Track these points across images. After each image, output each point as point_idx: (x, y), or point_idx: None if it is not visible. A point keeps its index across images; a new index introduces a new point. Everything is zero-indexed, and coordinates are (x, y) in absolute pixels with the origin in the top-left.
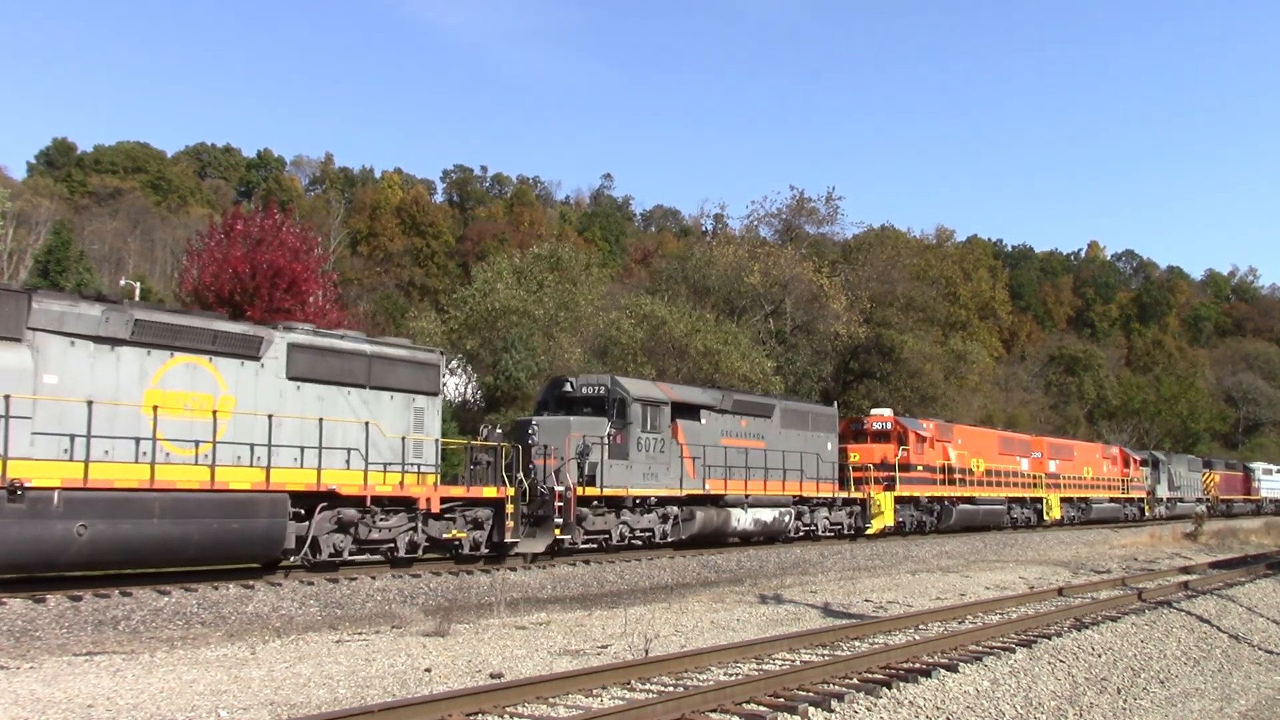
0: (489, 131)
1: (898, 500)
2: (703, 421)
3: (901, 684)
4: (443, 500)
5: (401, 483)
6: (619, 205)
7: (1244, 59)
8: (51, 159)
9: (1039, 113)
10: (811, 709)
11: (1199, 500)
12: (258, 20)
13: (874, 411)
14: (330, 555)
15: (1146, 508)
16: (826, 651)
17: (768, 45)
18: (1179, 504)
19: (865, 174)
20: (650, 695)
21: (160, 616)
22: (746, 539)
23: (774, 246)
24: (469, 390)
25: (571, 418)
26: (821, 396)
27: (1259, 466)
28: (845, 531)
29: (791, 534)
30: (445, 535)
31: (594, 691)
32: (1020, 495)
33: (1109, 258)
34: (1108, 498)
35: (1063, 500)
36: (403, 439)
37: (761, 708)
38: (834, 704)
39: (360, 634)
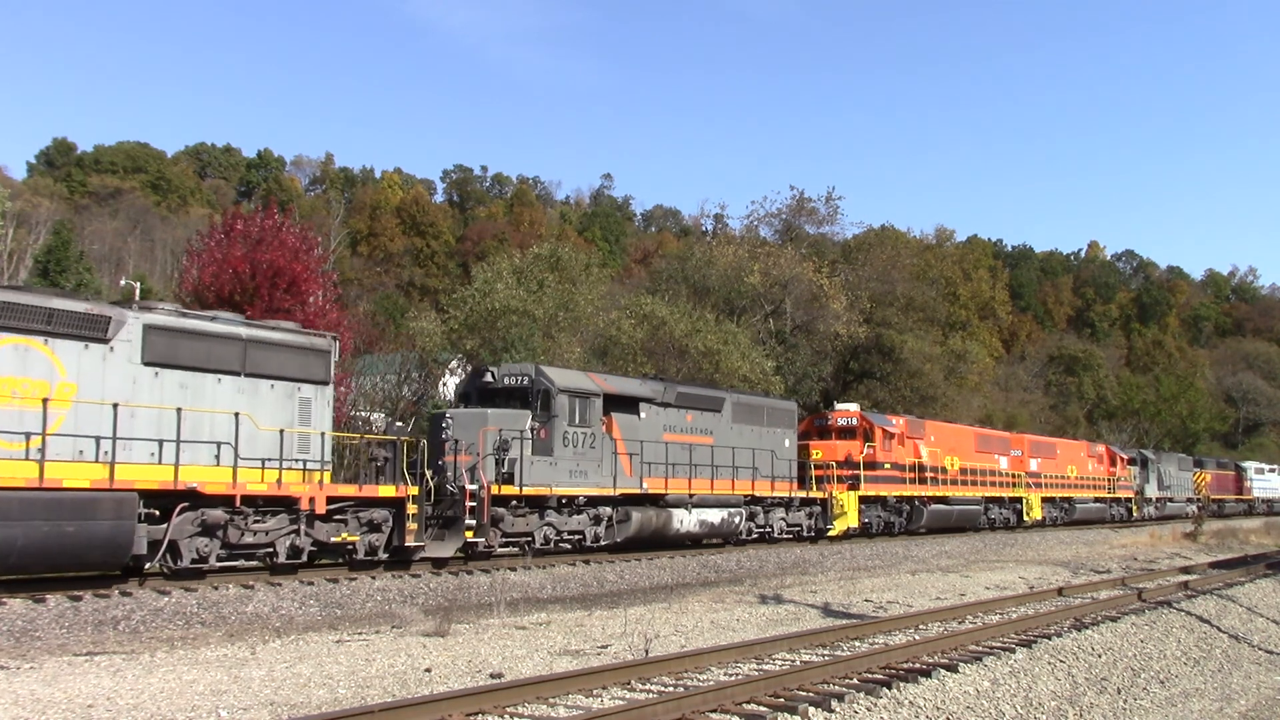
0: (489, 131)
1: (863, 500)
2: (642, 416)
3: (901, 684)
4: (331, 500)
5: (279, 480)
6: (619, 205)
7: (1244, 59)
8: (51, 159)
9: (1039, 113)
10: (811, 709)
11: (1190, 500)
12: (258, 20)
13: (839, 406)
14: (194, 561)
15: (1134, 508)
16: (826, 651)
17: (768, 45)
18: (1169, 504)
19: (865, 174)
20: (650, 695)
21: (160, 616)
22: (696, 542)
23: (774, 246)
24: None
25: (489, 410)
26: (821, 397)
27: (1251, 466)
28: (804, 534)
29: (744, 536)
30: (334, 539)
31: (594, 691)
32: (998, 495)
33: (1109, 258)
34: (1093, 497)
35: (1044, 500)
36: (280, 432)
37: (761, 708)
38: (834, 704)
39: (360, 634)
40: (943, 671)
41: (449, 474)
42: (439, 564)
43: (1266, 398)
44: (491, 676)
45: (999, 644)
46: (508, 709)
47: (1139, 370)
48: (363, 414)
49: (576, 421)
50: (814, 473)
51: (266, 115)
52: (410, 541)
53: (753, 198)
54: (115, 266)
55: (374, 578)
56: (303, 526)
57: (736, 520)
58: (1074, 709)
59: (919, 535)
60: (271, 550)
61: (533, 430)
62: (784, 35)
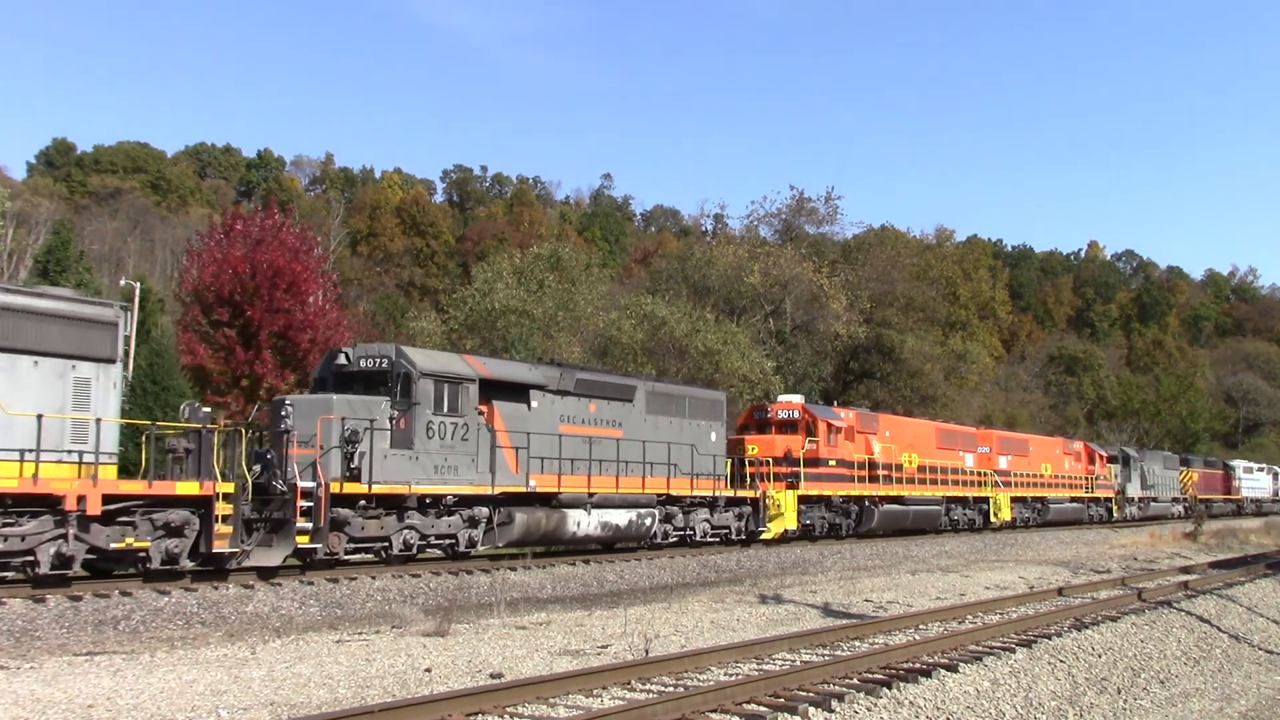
0: (489, 131)
1: (803, 500)
2: (533, 405)
3: (901, 684)
4: (111, 499)
5: (35, 475)
6: (619, 205)
7: (1244, 59)
8: (51, 159)
9: (1039, 113)
10: (811, 709)
11: (1175, 500)
12: (258, 20)
13: (781, 398)
14: None
15: (1115, 508)
16: (826, 651)
17: (767, 45)
18: (1153, 504)
19: (865, 174)
20: (650, 695)
21: (160, 616)
22: (608, 546)
23: (774, 246)
24: None
25: (334, 396)
26: (821, 396)
27: (1239, 465)
28: (733, 536)
29: (659, 539)
30: (115, 545)
31: (594, 691)
32: (961, 494)
33: (1109, 258)
34: (1068, 497)
35: (1014, 500)
36: (39, 417)
37: (761, 708)
38: (834, 704)
39: (360, 634)
40: (943, 671)
41: (277, 469)
42: (265, 574)
43: (1266, 398)
44: (491, 676)
45: (999, 644)
46: (508, 709)
47: (1139, 370)
48: None
49: (445, 410)
50: (749, 470)
51: (266, 115)
52: (222, 547)
53: (753, 198)
54: (115, 266)
55: (374, 578)
56: (72, 531)
57: (648, 522)
58: (1074, 709)
59: (871, 538)
60: (31, 558)
61: (391, 420)
62: (784, 35)
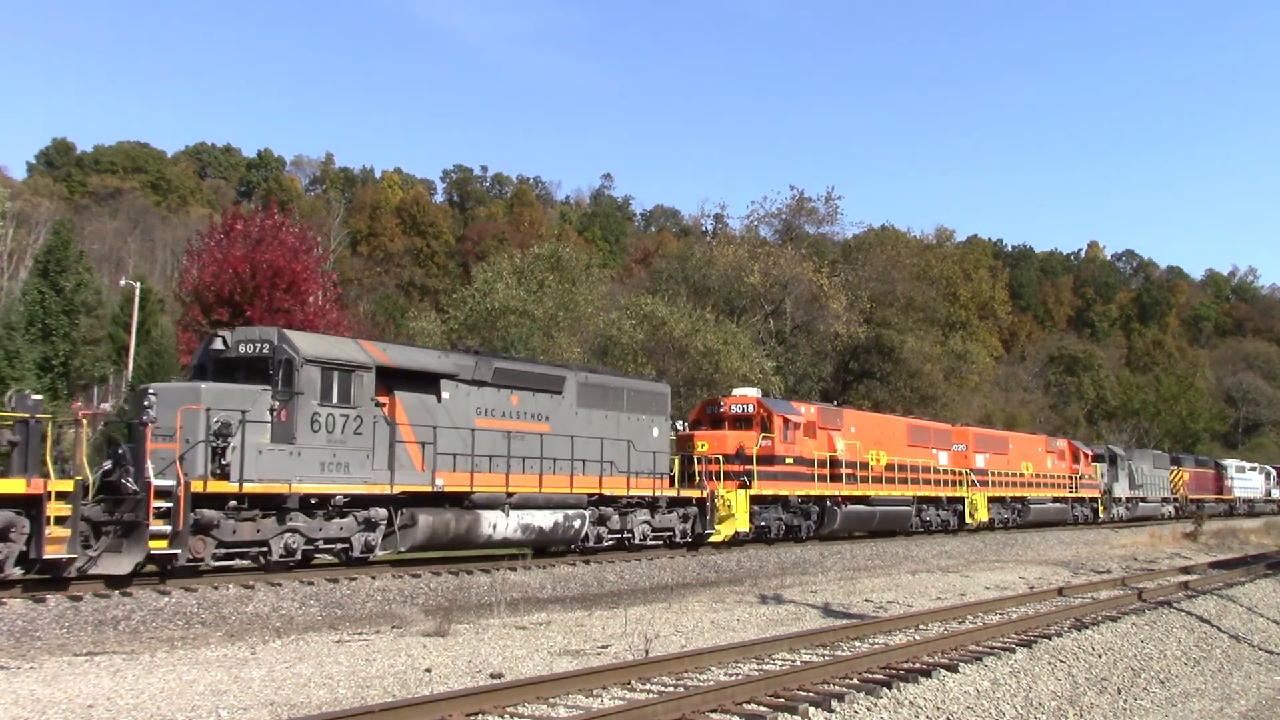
0: (489, 131)
1: (757, 500)
2: (444, 396)
3: (901, 684)
4: None
5: None
6: (619, 205)
7: (1244, 59)
8: (51, 159)
9: (1039, 113)
10: (812, 709)
11: (1165, 500)
12: (258, 20)
13: (736, 392)
14: None
15: (1101, 509)
16: (826, 651)
17: (768, 46)
18: (1141, 504)
19: (865, 174)
20: (650, 695)
21: (160, 616)
22: (542, 550)
23: (774, 246)
24: None
25: (202, 384)
26: (821, 396)
27: (1232, 464)
28: (678, 539)
29: (590, 543)
30: None
31: (594, 691)
32: (934, 494)
33: (1109, 258)
34: (1051, 497)
35: (992, 500)
36: None
37: (761, 708)
38: (834, 704)
39: (360, 634)
40: (943, 671)
41: (129, 466)
42: (115, 583)
43: (1266, 398)
44: (491, 676)
45: (999, 644)
46: (508, 709)
47: (1139, 370)
48: None
49: (334, 400)
50: (699, 468)
51: (266, 115)
52: (56, 553)
53: (753, 198)
54: (115, 266)
55: (374, 578)
56: None
57: (577, 524)
58: (1074, 709)
59: (833, 541)
60: None
61: (272, 412)
62: (784, 36)
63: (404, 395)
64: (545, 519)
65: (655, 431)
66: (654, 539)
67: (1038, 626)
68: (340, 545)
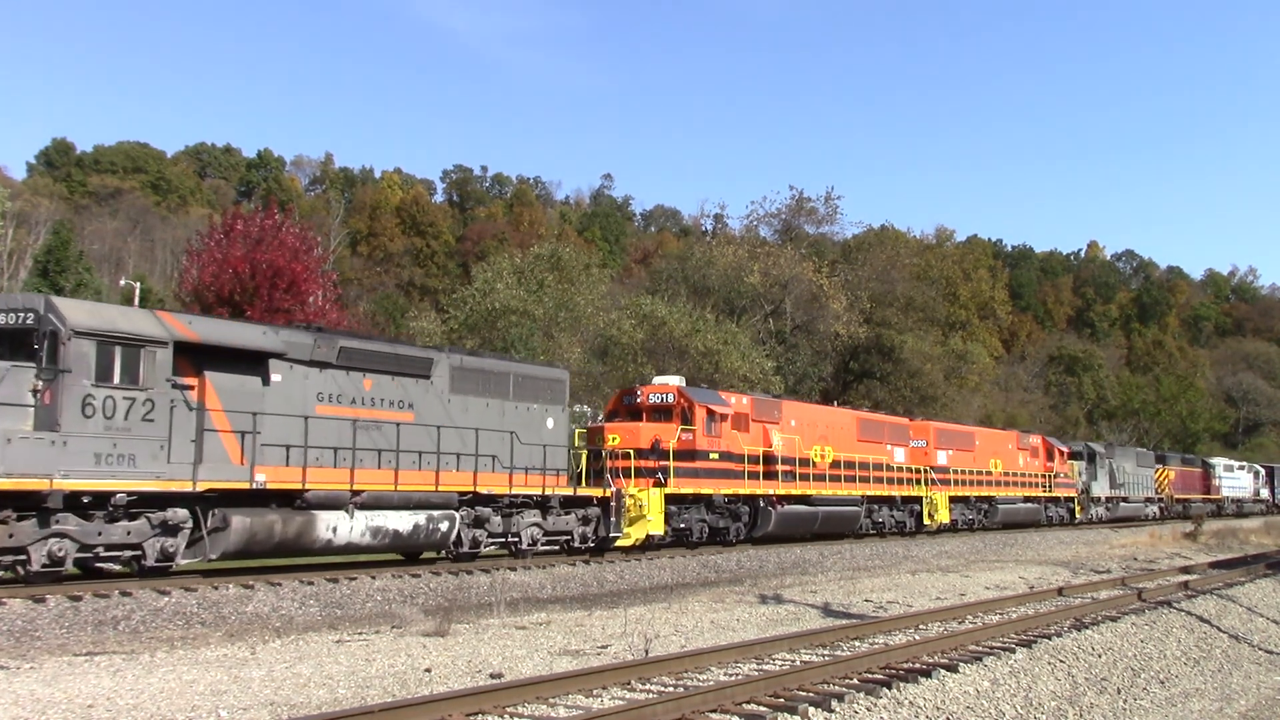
0: (489, 131)
1: (674, 500)
2: (274, 378)
3: (901, 684)
4: None
5: None
6: (619, 205)
7: (1244, 59)
8: (51, 159)
9: (1039, 113)
10: (811, 709)
11: (1149, 500)
12: (258, 20)
13: (656, 379)
14: None
15: (1078, 509)
16: (826, 651)
17: (767, 45)
18: (1122, 504)
19: (865, 174)
20: (650, 695)
21: (160, 616)
22: (413, 555)
23: (774, 246)
24: None
25: None
26: (821, 396)
27: (1219, 463)
28: (576, 544)
29: (465, 548)
30: None
31: (594, 691)
32: (887, 494)
33: (1109, 258)
34: (1021, 496)
35: (955, 500)
36: None
37: (761, 708)
38: (834, 704)
39: (360, 634)
40: (943, 671)
41: None
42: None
43: (1266, 398)
44: (491, 676)
45: (999, 644)
46: (508, 709)
47: (1139, 370)
48: None
49: (115, 380)
50: (608, 464)
51: (266, 115)
52: None
53: (752, 198)
54: (115, 266)
55: (374, 577)
56: None
57: (444, 527)
58: (1074, 709)
59: (770, 544)
60: None
61: (35, 393)
62: (784, 36)
63: (218, 377)
64: (403, 521)
65: (550, 422)
66: (547, 544)
67: (1038, 626)
68: (131, 553)
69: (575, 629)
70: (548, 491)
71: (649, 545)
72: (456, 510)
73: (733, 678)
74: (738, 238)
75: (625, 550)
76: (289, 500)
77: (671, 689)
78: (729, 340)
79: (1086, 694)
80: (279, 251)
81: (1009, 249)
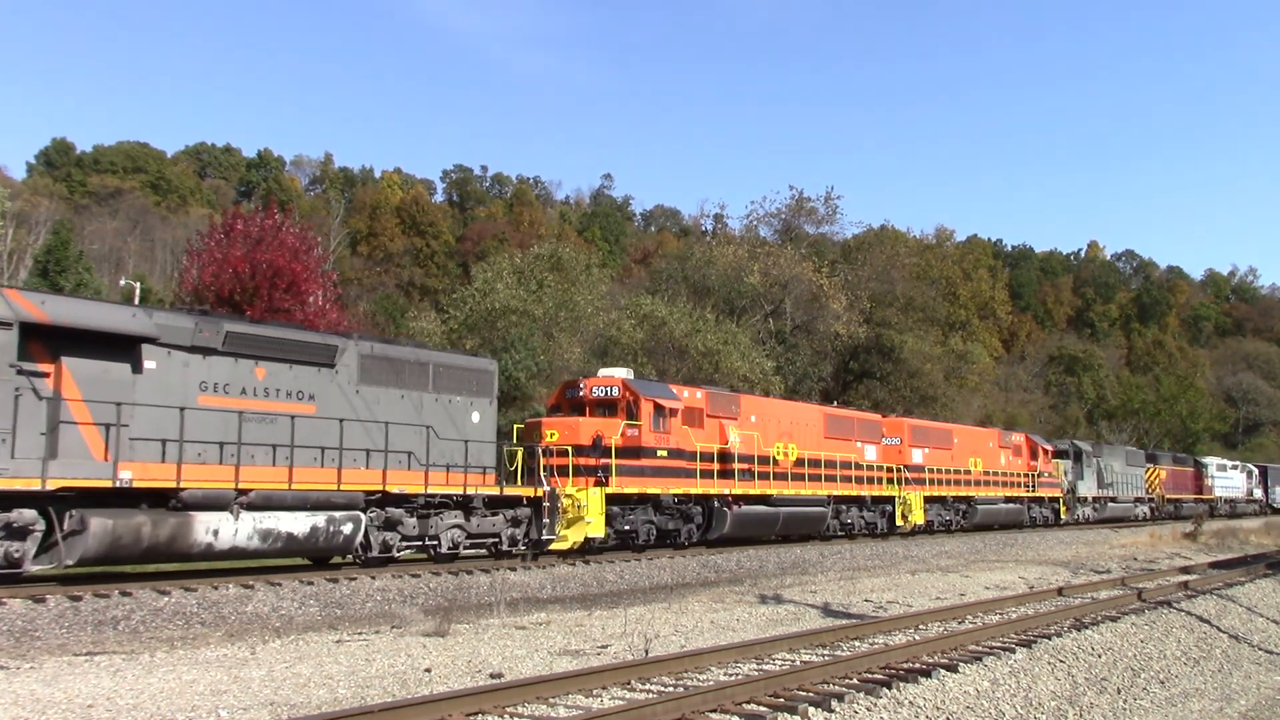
0: (489, 131)
1: (617, 500)
2: (147, 365)
3: (901, 684)
4: None
5: None
6: (619, 205)
7: (1244, 58)
8: (51, 159)
9: (1039, 112)
10: (811, 709)
11: (1139, 500)
12: (258, 20)
13: (601, 372)
14: None
15: (1063, 509)
16: (826, 651)
17: (767, 45)
18: (1110, 504)
19: (865, 174)
20: (650, 695)
21: (160, 616)
22: (319, 559)
23: (774, 246)
24: None
25: None
26: (821, 396)
27: (1212, 462)
28: (505, 547)
29: (375, 551)
30: None
31: (594, 691)
32: (856, 493)
33: (1109, 258)
34: (1002, 496)
35: (931, 500)
36: None
37: (761, 708)
38: (834, 704)
39: (360, 634)
40: (943, 671)
41: None
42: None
43: (1266, 398)
44: (491, 676)
45: (999, 644)
46: (508, 709)
47: (1139, 370)
48: None
49: None
50: (544, 461)
51: (266, 115)
52: None
53: (752, 198)
54: (115, 266)
55: (374, 578)
56: None
57: (347, 529)
58: (1074, 709)
59: (725, 547)
60: None
61: None
62: (783, 36)
63: (77, 363)
64: (298, 523)
65: (476, 416)
66: (471, 547)
67: (1037, 626)
68: None
69: (575, 629)
70: (470, 491)
71: (590, 549)
72: (363, 511)
73: (733, 678)
74: (738, 238)
75: (562, 554)
76: (163, 500)
77: (671, 689)
78: (729, 340)
79: (1086, 694)
80: (279, 251)
81: (1009, 249)
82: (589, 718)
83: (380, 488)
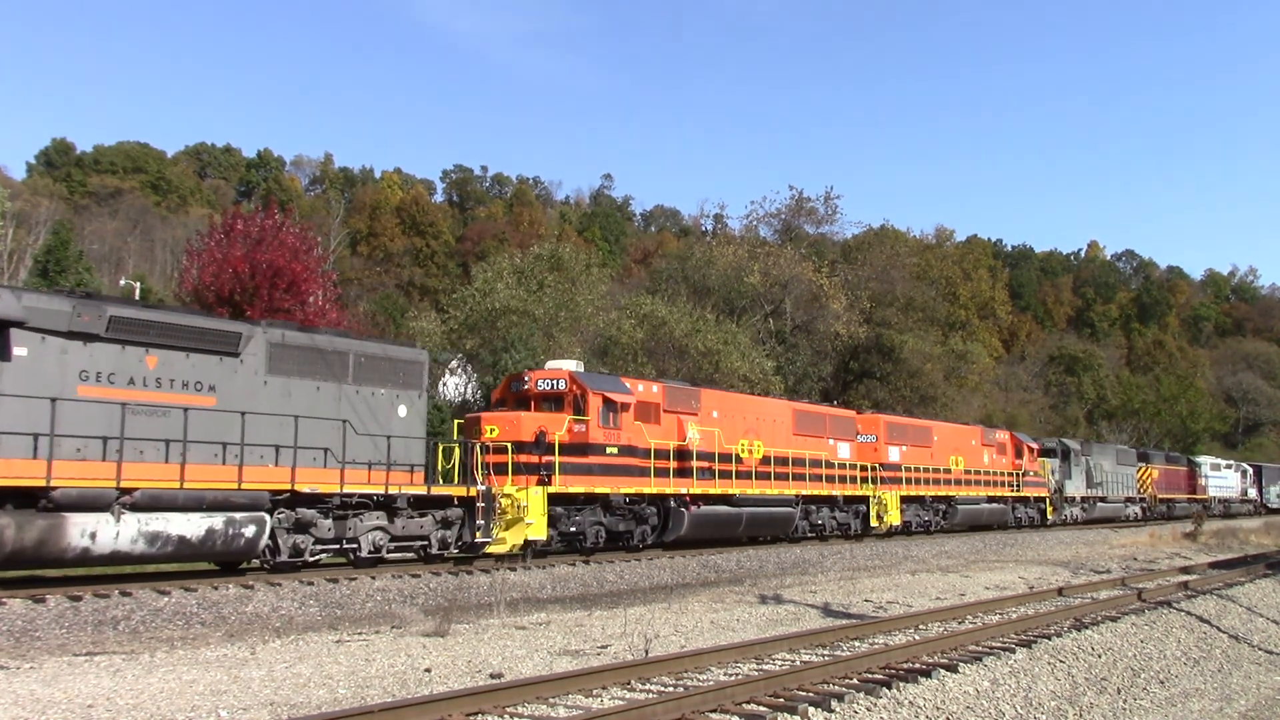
0: (489, 131)
1: (562, 500)
2: (17, 352)
3: (901, 684)
4: None
5: None
6: (619, 205)
7: (1244, 58)
8: (51, 159)
9: (1039, 112)
10: (811, 709)
11: (1130, 500)
12: (258, 20)
13: (549, 364)
14: None
15: (1050, 509)
16: (826, 652)
17: (768, 46)
18: (1100, 504)
19: (865, 174)
20: (650, 695)
21: (160, 616)
22: (228, 567)
23: (774, 246)
24: (469, 390)
25: None
26: (821, 396)
27: (1206, 461)
28: (434, 550)
29: (283, 556)
30: None
31: (594, 691)
32: (826, 493)
33: (1109, 258)
34: (985, 496)
35: (908, 499)
36: None
37: (761, 708)
38: (834, 704)
39: (360, 634)
40: (943, 671)
41: None
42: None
43: (1266, 398)
44: (491, 676)
45: (999, 644)
46: (508, 709)
47: (1139, 370)
48: None
49: None
50: (481, 458)
51: (266, 115)
52: None
53: (752, 198)
54: (115, 266)
55: (374, 578)
56: None
57: (249, 531)
58: (1074, 709)
59: (681, 550)
60: None
61: None
62: (783, 36)
63: None
64: (192, 525)
65: (403, 410)
66: (397, 550)
67: (1037, 626)
68: None
69: (575, 629)
70: (393, 490)
71: (533, 552)
72: (268, 513)
73: (733, 678)
74: (738, 238)
75: (498, 558)
76: (32, 501)
77: (671, 689)
78: (729, 340)
79: (1086, 694)
80: (279, 251)
81: (1009, 249)
82: (589, 718)
83: (289, 486)
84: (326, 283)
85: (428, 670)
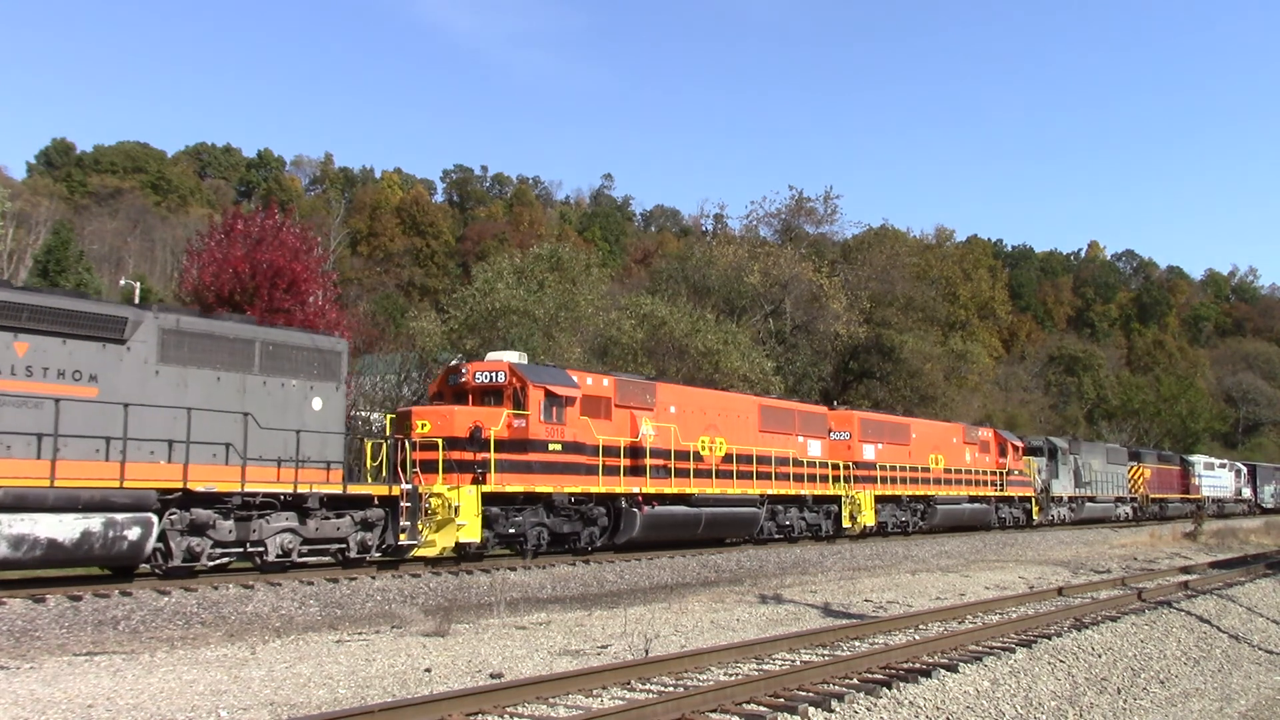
0: (489, 132)
1: (499, 500)
2: None
3: (901, 684)
4: None
5: None
6: (619, 205)
7: (1244, 58)
8: (51, 159)
9: (1039, 112)
10: (811, 709)
11: (1120, 500)
12: (258, 20)
13: (489, 356)
14: None
15: (1035, 509)
16: (826, 651)
17: (768, 46)
18: (1089, 504)
19: (865, 174)
20: (650, 695)
21: (160, 616)
22: (112, 574)
23: (774, 246)
24: None
25: None
26: (821, 396)
27: (1199, 460)
28: (353, 554)
29: (176, 561)
30: None
31: (594, 691)
32: (794, 492)
33: (1109, 258)
34: (966, 496)
35: (883, 499)
36: None
37: (761, 708)
38: (834, 704)
39: (360, 634)
40: (943, 671)
41: None
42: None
43: (1266, 398)
44: (491, 676)
45: (999, 644)
46: (508, 709)
47: (1139, 370)
48: (363, 414)
49: None
50: (413, 455)
51: (266, 115)
52: None
53: (752, 198)
54: (115, 266)
55: (374, 577)
56: None
57: (132, 534)
58: (1074, 709)
59: (634, 554)
60: None
61: None
62: (783, 36)
63: None
64: (64, 527)
65: (317, 403)
66: (312, 553)
67: (1037, 626)
68: None
69: (575, 629)
70: (302, 489)
71: (465, 555)
72: (155, 513)
73: (733, 678)
74: (738, 238)
75: (428, 561)
76: None
77: (671, 689)
78: (729, 340)
79: (1086, 694)
80: (279, 251)
81: (1009, 249)
82: (589, 718)
83: (180, 484)
84: (327, 283)
85: (428, 670)
